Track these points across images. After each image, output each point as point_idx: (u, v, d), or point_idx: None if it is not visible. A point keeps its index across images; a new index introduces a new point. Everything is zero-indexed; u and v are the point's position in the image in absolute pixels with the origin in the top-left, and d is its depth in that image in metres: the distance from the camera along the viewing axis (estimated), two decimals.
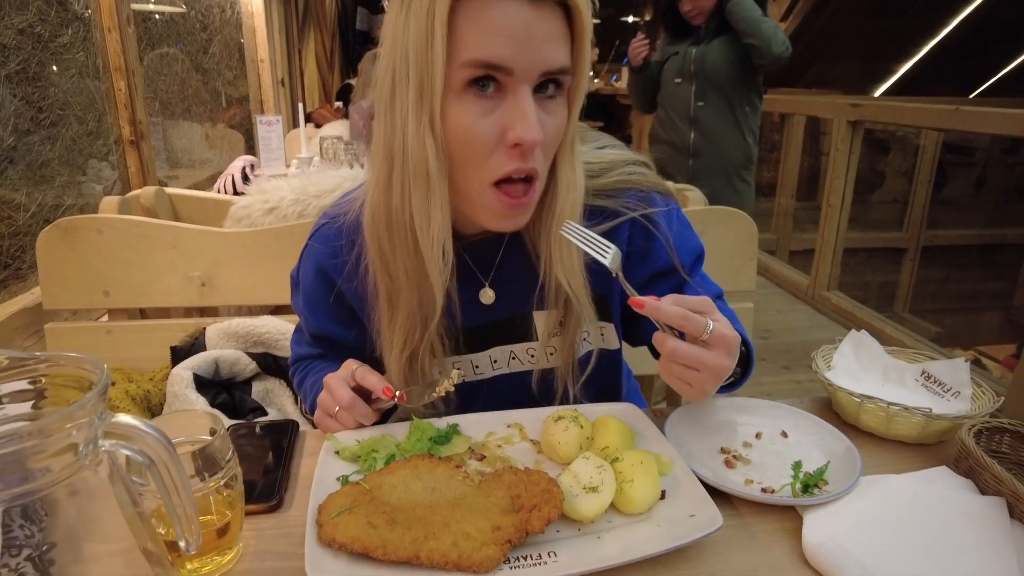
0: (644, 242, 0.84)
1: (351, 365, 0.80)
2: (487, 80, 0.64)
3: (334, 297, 0.86)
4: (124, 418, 0.44)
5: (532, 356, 0.87)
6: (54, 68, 1.59)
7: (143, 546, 0.53)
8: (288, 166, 2.84)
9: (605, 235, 0.74)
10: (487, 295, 0.84)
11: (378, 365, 0.83)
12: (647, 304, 0.65)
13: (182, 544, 0.48)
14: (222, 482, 0.62)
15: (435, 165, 0.66)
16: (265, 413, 1.29)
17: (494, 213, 0.70)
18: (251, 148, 3.21)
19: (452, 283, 0.76)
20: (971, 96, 5.53)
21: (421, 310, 0.76)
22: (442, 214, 0.69)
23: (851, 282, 3.63)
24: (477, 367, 0.88)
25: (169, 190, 1.65)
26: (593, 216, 0.80)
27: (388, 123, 0.68)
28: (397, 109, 0.67)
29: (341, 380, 0.79)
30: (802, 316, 3.42)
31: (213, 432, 0.62)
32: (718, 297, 0.93)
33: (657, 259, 0.85)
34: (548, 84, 0.67)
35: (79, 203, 1.69)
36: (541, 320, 0.85)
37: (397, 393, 0.77)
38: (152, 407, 1.30)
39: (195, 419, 0.64)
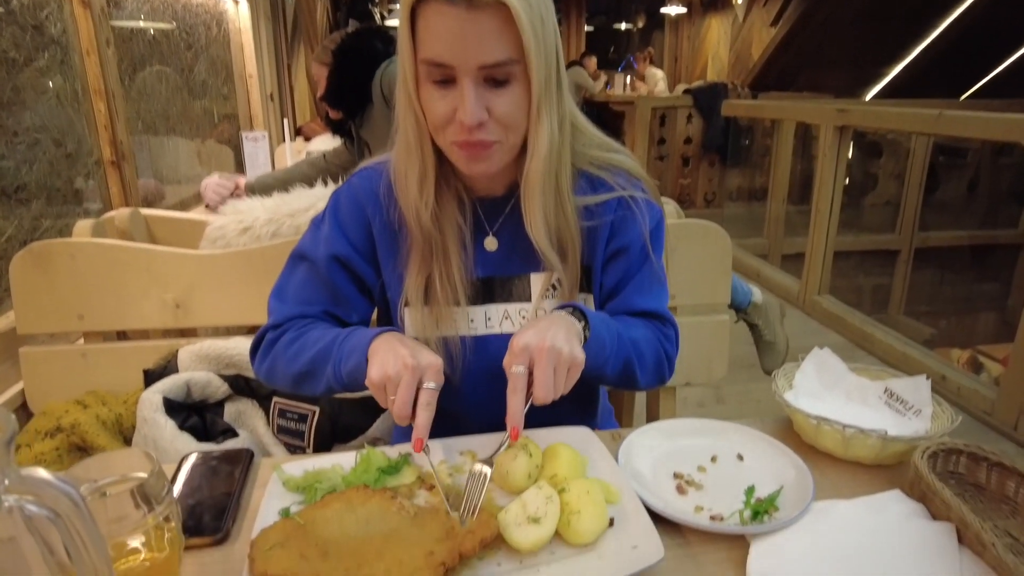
0: (622, 220, 0.94)
1: (431, 373, 0.76)
2: (441, 72, 0.77)
3: (363, 228, 0.94)
4: (29, 472, 0.44)
5: (523, 317, 0.94)
6: (31, 92, 1.59)
7: None
8: None
9: (597, 206, 0.92)
10: (491, 242, 0.94)
11: (387, 308, 0.97)
12: (518, 428, 0.72)
13: None
14: (160, 518, 0.61)
15: (413, 132, 0.83)
16: (236, 435, 1.28)
17: (460, 161, 0.83)
18: (241, 164, 3.23)
19: (465, 229, 0.91)
20: (962, 97, 5.52)
21: (430, 242, 0.89)
22: (419, 168, 0.85)
23: (843, 286, 3.62)
24: (472, 321, 0.94)
25: (145, 211, 1.65)
26: (592, 185, 0.93)
27: (396, 107, 0.85)
28: (398, 97, 0.84)
29: (411, 383, 0.74)
30: (793, 322, 3.39)
31: (149, 470, 0.62)
32: (651, 313, 0.97)
33: (626, 237, 0.94)
34: (496, 72, 0.77)
35: (58, 225, 1.69)
36: (537, 282, 0.94)
37: (426, 445, 0.75)
38: (124, 431, 1.29)
39: (132, 457, 0.64)
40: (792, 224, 4.18)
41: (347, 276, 0.94)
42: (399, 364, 0.74)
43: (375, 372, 0.75)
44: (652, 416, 1.54)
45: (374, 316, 1.04)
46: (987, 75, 5.35)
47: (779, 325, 2.34)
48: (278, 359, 0.91)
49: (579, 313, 0.82)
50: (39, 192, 1.62)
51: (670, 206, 1.54)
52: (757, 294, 2.24)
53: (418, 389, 0.75)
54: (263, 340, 0.94)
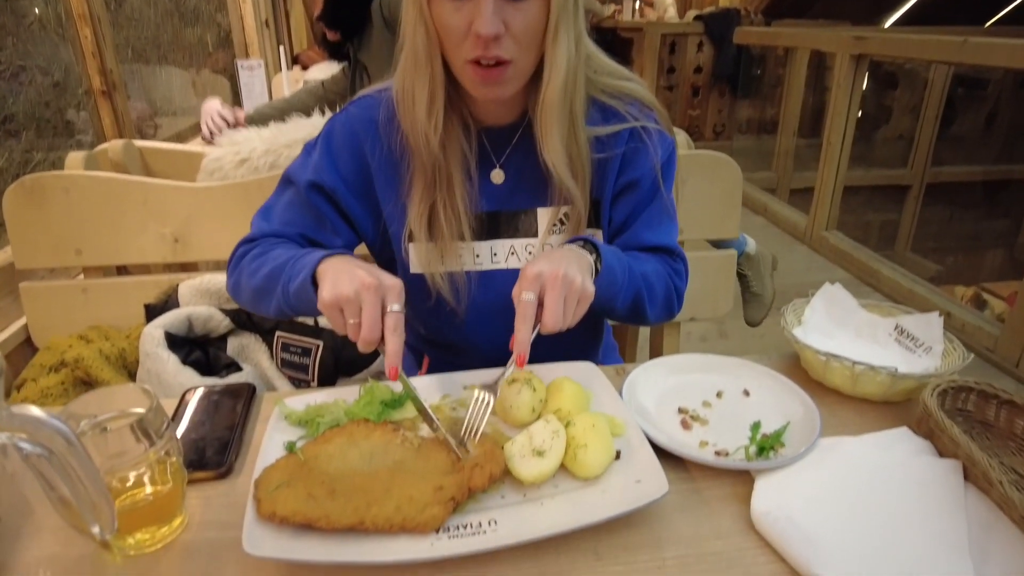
0: (634, 152, 0.90)
1: (394, 295, 0.72)
2: None
3: (357, 160, 0.90)
4: (21, 410, 0.43)
5: (530, 253, 0.92)
6: (11, 17, 1.52)
7: (73, 525, 0.53)
8: None
9: (608, 138, 0.88)
10: (497, 175, 0.91)
11: (386, 245, 0.94)
12: (525, 355, 0.70)
13: (95, 530, 0.48)
14: (161, 453, 0.61)
15: (423, 48, 0.79)
16: (240, 369, 1.29)
17: (472, 83, 0.79)
18: (237, 94, 3.13)
19: (470, 158, 0.87)
20: (987, 25, 5.29)
21: (434, 170, 0.86)
22: (429, 88, 0.81)
23: (851, 222, 3.56)
24: (478, 256, 0.92)
25: (139, 143, 1.61)
26: (603, 115, 0.89)
27: (403, 21, 0.81)
28: (406, 9, 0.80)
29: (375, 304, 0.69)
30: (799, 258, 3.37)
31: (148, 405, 0.61)
32: (661, 248, 0.94)
33: (637, 170, 0.91)
34: None
35: (50, 158, 1.65)
36: (544, 217, 0.91)
37: (402, 371, 0.71)
38: (128, 365, 1.30)
39: (131, 392, 0.63)
40: (802, 158, 4.08)
41: (330, 205, 0.91)
42: (356, 284, 0.69)
43: (327, 292, 0.70)
44: (656, 351, 1.53)
45: (362, 250, 1.00)
46: (1014, 0, 5.10)
47: (769, 278, 2.34)
48: (243, 274, 0.88)
49: (590, 246, 0.80)
50: (28, 123, 1.57)
51: (680, 136, 1.49)
52: (752, 245, 2.22)
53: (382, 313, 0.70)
54: (235, 253, 0.92)
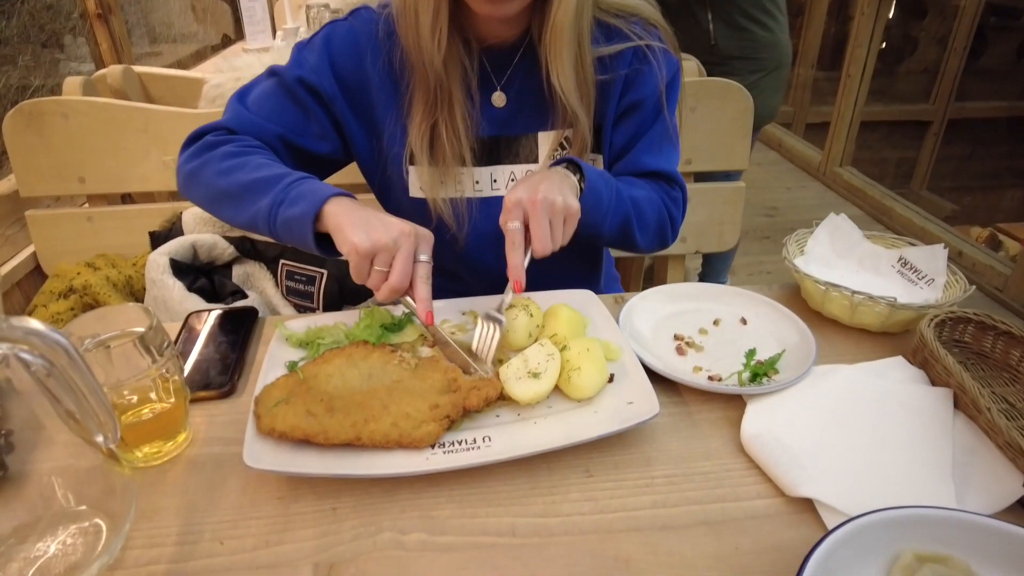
0: (637, 73, 0.88)
1: (425, 245, 0.72)
2: None
3: (358, 72, 0.87)
4: (21, 322, 0.43)
5: None
6: None
7: (81, 436, 0.55)
8: (275, 38, 2.70)
9: (610, 58, 0.86)
10: (498, 98, 0.89)
11: (383, 170, 0.92)
12: (521, 281, 0.72)
13: (99, 439, 0.49)
14: (163, 370, 0.62)
15: None
16: (245, 296, 1.30)
17: (477, 0, 0.75)
18: (239, 20, 3.05)
19: (471, 75, 0.85)
20: None
21: (437, 88, 0.83)
22: (434, 3, 0.77)
23: (867, 158, 3.48)
24: (477, 183, 0.92)
25: (138, 68, 1.58)
26: (606, 34, 0.86)
27: None
28: None
29: (411, 253, 0.69)
30: (812, 194, 3.33)
31: (147, 324, 0.62)
32: (660, 174, 0.92)
33: (640, 91, 0.88)
34: None
35: (49, 83, 1.62)
36: (545, 142, 0.90)
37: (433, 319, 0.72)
38: (135, 292, 1.31)
39: (130, 312, 0.64)
40: (820, 92, 3.96)
41: (319, 105, 0.86)
42: (394, 231, 0.68)
43: (360, 239, 0.66)
44: (659, 283, 1.53)
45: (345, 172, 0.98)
46: None
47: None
48: (209, 165, 0.80)
49: (574, 166, 0.79)
50: (23, 48, 1.54)
51: (691, 63, 1.44)
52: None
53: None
54: (203, 136, 0.84)
